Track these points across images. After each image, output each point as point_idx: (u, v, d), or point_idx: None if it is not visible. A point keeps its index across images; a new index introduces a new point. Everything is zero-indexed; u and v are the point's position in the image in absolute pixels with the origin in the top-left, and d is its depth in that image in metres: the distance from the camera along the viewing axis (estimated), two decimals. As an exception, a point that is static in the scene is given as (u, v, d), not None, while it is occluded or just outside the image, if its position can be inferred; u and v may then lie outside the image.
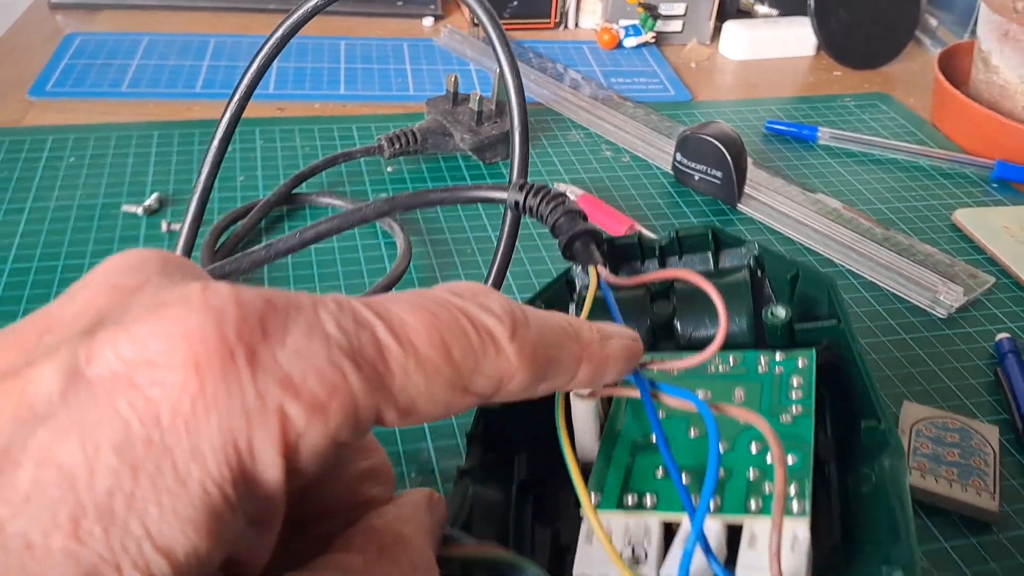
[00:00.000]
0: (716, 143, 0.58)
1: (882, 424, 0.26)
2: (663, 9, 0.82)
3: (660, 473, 0.25)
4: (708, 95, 0.75)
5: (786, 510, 0.23)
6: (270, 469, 0.16)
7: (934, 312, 0.50)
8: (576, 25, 0.86)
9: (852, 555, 0.24)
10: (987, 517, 0.38)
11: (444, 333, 0.18)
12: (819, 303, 0.30)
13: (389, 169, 0.61)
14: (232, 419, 0.15)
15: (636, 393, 0.24)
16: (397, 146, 0.59)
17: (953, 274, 0.52)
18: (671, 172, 0.62)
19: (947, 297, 0.50)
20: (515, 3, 0.82)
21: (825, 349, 0.29)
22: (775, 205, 0.58)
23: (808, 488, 0.23)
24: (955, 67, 0.73)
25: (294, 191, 0.56)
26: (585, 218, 0.30)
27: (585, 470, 0.27)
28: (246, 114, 0.52)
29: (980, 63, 0.69)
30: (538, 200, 0.31)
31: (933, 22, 0.87)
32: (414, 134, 0.59)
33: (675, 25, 0.83)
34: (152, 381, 0.15)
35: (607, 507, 0.24)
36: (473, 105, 0.60)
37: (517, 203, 0.32)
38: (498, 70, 0.60)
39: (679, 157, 0.60)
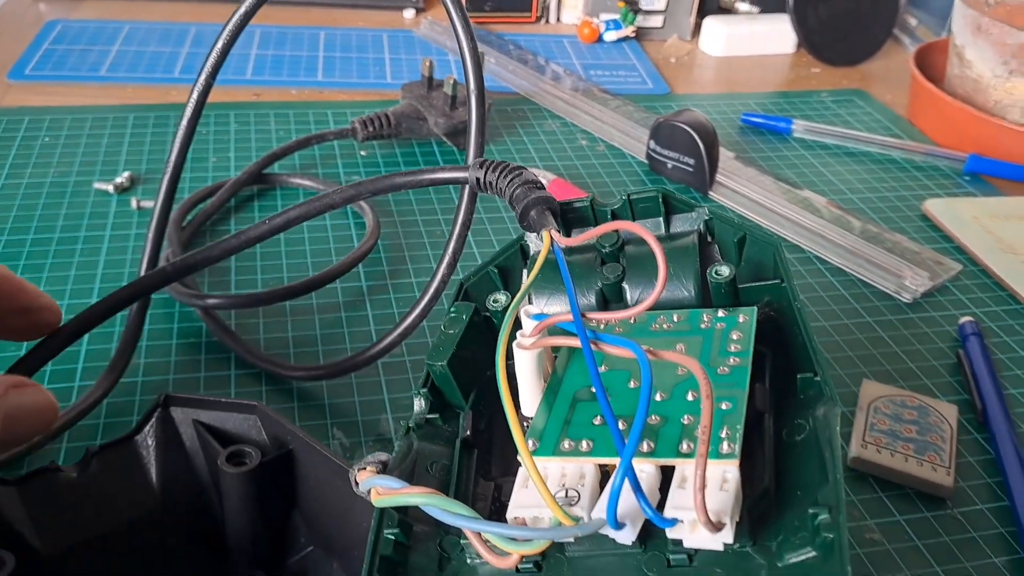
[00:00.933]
0: (689, 130, 0.58)
1: (818, 376, 0.26)
2: (644, 4, 0.82)
3: (598, 421, 0.25)
4: (687, 89, 0.76)
5: (716, 452, 0.23)
6: None
7: (900, 297, 0.50)
8: (558, 20, 0.86)
9: (784, 500, 0.24)
10: (941, 492, 0.38)
11: None
12: (766, 266, 0.30)
13: (363, 153, 0.61)
14: None
15: (577, 342, 0.24)
16: (370, 129, 0.59)
17: (920, 261, 0.53)
18: (645, 161, 0.62)
19: (912, 282, 0.50)
20: (497, -3, 0.83)
21: (766, 306, 0.29)
22: (746, 193, 0.59)
23: (739, 432, 0.23)
24: (932, 64, 0.73)
25: (265, 171, 0.56)
26: (542, 187, 0.30)
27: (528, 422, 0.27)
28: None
29: (955, 58, 0.69)
30: (497, 174, 0.31)
31: (912, 21, 0.87)
32: (388, 117, 0.59)
33: (656, 20, 0.84)
34: None
35: (544, 453, 0.24)
36: (447, 90, 0.60)
37: (479, 180, 0.31)
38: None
39: (653, 145, 0.61)
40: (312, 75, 0.71)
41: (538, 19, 0.86)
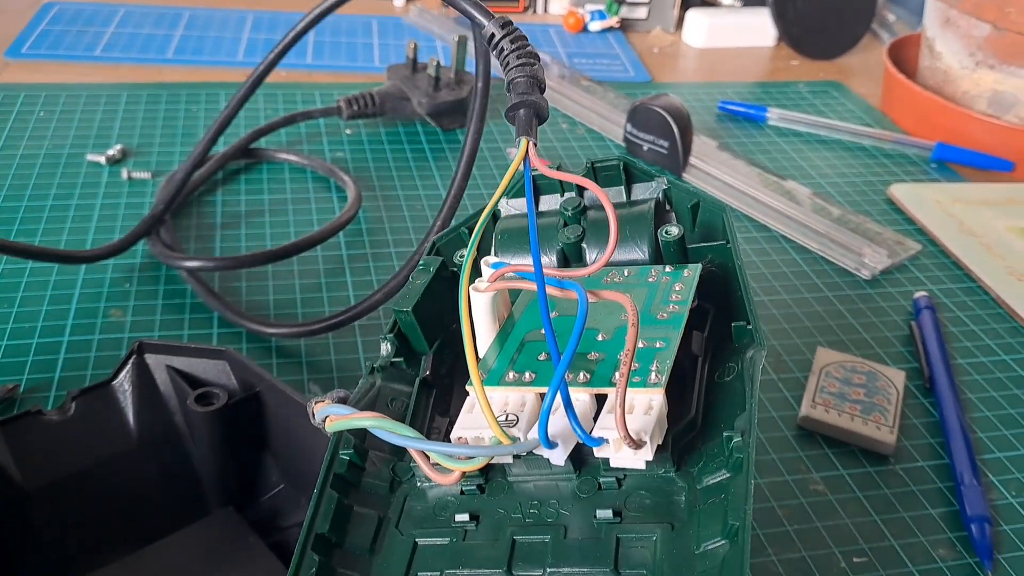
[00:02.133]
0: (664, 114, 0.60)
1: (750, 325, 0.28)
2: (628, -4, 0.85)
3: (543, 357, 0.27)
4: (668, 78, 0.78)
5: (645, 382, 0.25)
6: None
7: (859, 274, 0.52)
8: (545, 10, 0.88)
9: (708, 432, 0.26)
10: (884, 449, 0.40)
11: None
12: (716, 229, 0.33)
13: (348, 131, 0.63)
14: None
15: (528, 285, 0.27)
16: (356, 108, 0.61)
17: (881, 241, 0.55)
18: (623, 143, 0.64)
19: (871, 259, 0.52)
20: (485, -14, 0.85)
21: (710, 263, 0.31)
22: (718, 175, 0.61)
23: (668, 365, 0.25)
24: (906, 58, 0.75)
25: (252, 146, 0.58)
26: (542, 88, 0.29)
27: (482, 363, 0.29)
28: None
29: (926, 50, 0.71)
30: (512, 46, 0.30)
31: (890, 16, 0.90)
32: (373, 97, 0.61)
33: (640, 12, 0.86)
34: None
35: (491, 383, 0.26)
36: (431, 72, 0.62)
37: (492, 36, 0.30)
38: (456, 39, 0.63)
39: (630, 128, 0.63)
40: (302, 58, 0.73)
41: (526, 8, 0.88)
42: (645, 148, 0.62)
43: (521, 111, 0.28)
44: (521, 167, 0.27)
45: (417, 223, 0.53)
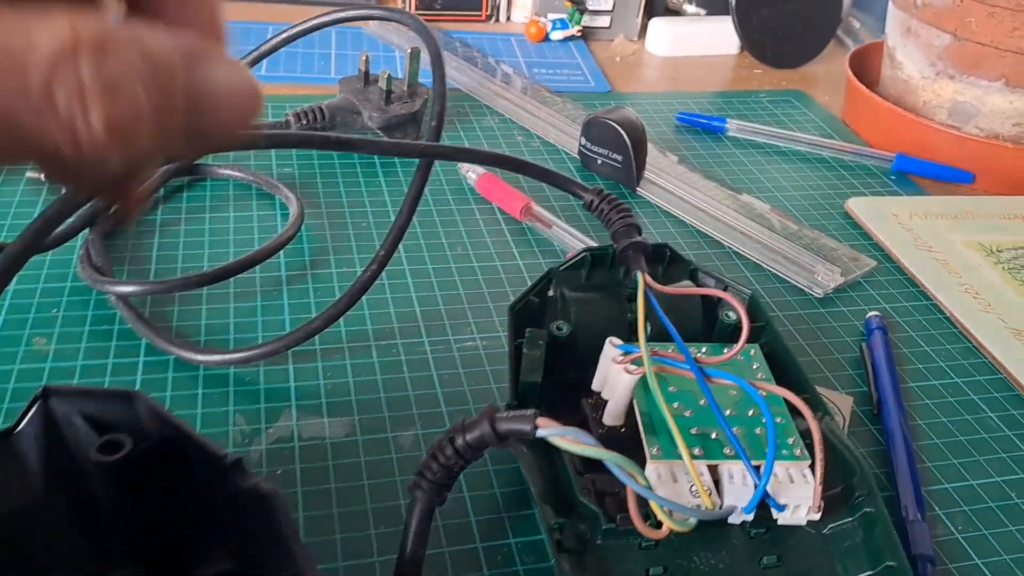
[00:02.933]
0: (617, 127, 0.59)
1: (808, 395, 0.36)
2: (591, 4, 0.83)
3: (695, 431, 0.33)
4: (629, 88, 0.77)
5: (792, 455, 0.32)
6: None
7: (811, 292, 0.51)
8: (508, 19, 0.87)
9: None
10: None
11: None
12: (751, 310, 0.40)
13: (297, 146, 0.61)
14: None
15: (689, 373, 0.33)
16: (304, 122, 0.60)
17: (835, 257, 0.54)
18: (577, 157, 0.63)
19: (824, 278, 0.52)
20: (446, -6, 0.84)
21: (765, 343, 0.39)
22: (672, 190, 0.60)
23: (799, 439, 0.33)
24: (868, 67, 0.74)
25: (196, 162, 0.56)
26: (640, 232, 0.40)
27: (610, 434, 0.34)
28: None
29: (887, 59, 0.70)
30: (609, 207, 0.41)
31: (856, 24, 0.89)
32: (322, 110, 0.60)
33: (603, 20, 0.85)
34: None
35: (667, 457, 0.32)
36: (382, 85, 0.61)
37: (592, 202, 0.41)
38: (409, 51, 0.62)
39: (583, 141, 0.62)
40: (256, 70, 0.72)
41: (488, 18, 0.86)
42: (599, 162, 0.61)
43: (630, 252, 0.39)
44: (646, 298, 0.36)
45: (362, 241, 0.52)
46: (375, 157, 0.61)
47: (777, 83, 0.80)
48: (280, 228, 0.53)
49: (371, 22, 0.81)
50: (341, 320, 0.43)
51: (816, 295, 0.51)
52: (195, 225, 0.52)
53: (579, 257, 0.42)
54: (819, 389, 0.42)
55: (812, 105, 0.75)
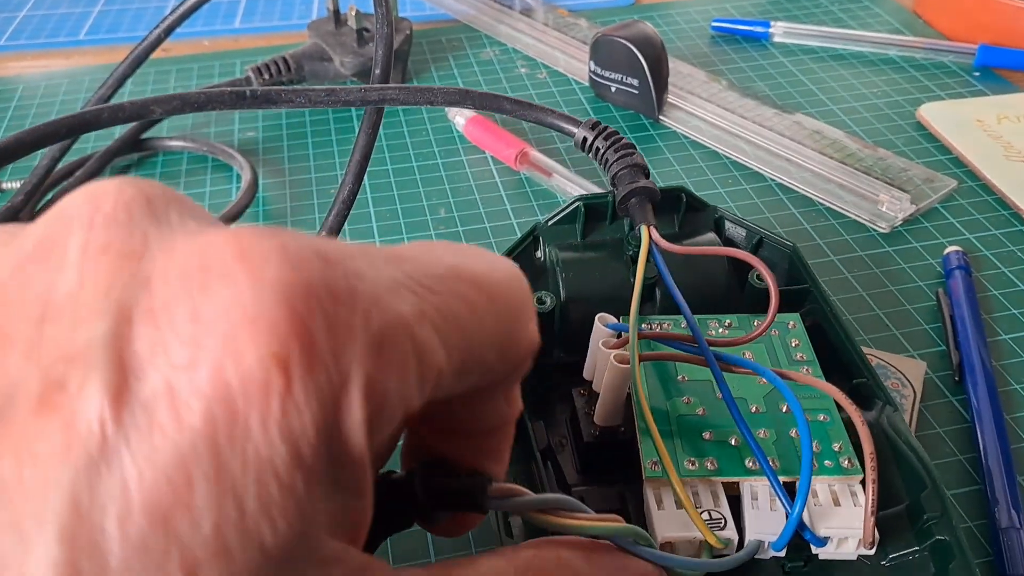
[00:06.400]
0: (630, 46, 0.50)
1: (867, 380, 0.28)
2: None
3: (708, 437, 0.26)
4: (657, -1, 0.66)
5: (838, 467, 0.25)
6: (355, 437, 0.13)
7: (875, 227, 0.41)
8: (520, -64, 0.77)
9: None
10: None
11: None
12: (779, 267, 0.33)
13: (264, 105, 0.54)
14: (323, 408, 0.13)
15: (693, 359, 0.26)
16: (266, 77, 0.52)
17: (905, 180, 0.43)
18: (588, 84, 0.54)
19: (891, 208, 0.41)
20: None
21: (807, 312, 0.30)
22: (703, 115, 0.50)
23: (849, 444, 0.25)
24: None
25: (144, 136, 0.49)
26: (647, 174, 0.31)
27: (606, 438, 0.27)
28: (119, 58, 0.46)
29: (963, -68, 0.58)
30: (607, 143, 0.32)
31: None
32: (286, 61, 0.52)
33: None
34: (225, 387, 0.12)
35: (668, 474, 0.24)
36: (352, 24, 0.53)
37: (585, 140, 0.33)
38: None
39: (593, 66, 0.52)
40: (230, 22, 0.64)
41: (497, -63, 0.76)
42: (613, 89, 0.51)
43: (633, 200, 0.31)
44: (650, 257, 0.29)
45: (323, 212, 0.44)
46: (351, 110, 0.53)
47: (833, -24, 0.68)
48: (234, 191, 0.46)
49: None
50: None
51: (881, 230, 0.41)
52: (137, 209, 0.45)
53: (571, 208, 0.34)
54: (882, 355, 0.33)
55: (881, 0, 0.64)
